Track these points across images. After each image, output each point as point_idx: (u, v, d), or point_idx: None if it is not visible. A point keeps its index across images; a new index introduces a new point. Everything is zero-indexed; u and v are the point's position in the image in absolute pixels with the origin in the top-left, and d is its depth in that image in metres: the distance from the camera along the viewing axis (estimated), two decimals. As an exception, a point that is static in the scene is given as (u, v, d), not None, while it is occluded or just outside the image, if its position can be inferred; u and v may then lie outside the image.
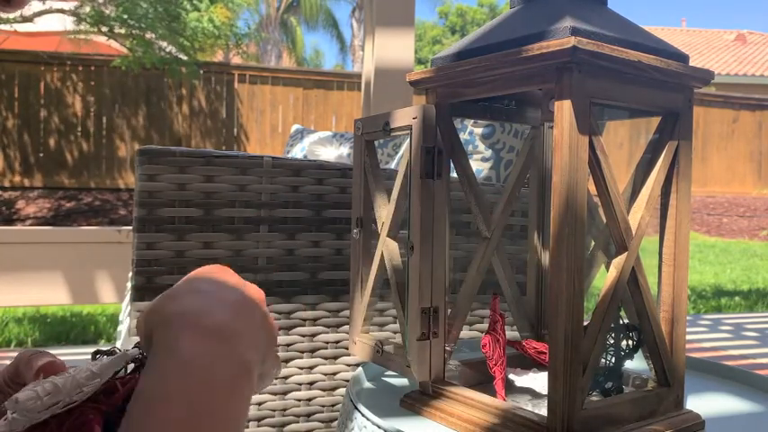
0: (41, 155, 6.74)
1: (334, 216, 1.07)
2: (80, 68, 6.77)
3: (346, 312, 1.08)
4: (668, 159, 0.64)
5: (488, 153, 1.33)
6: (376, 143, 0.90)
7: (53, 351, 0.54)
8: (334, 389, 1.08)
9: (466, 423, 0.63)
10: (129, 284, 1.19)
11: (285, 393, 1.05)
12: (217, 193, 1.00)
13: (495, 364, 0.68)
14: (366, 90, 2.47)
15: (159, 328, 0.38)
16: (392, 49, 2.25)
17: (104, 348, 0.42)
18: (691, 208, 0.67)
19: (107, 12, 5.95)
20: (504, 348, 0.69)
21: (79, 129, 6.82)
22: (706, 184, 9.28)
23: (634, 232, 0.62)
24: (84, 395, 0.38)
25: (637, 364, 0.69)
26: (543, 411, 0.60)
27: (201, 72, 7.03)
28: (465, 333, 1.18)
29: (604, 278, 0.62)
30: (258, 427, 1.03)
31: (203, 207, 0.99)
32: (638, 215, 0.63)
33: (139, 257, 0.96)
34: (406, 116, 0.68)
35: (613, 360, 0.64)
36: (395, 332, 1.12)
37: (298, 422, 1.06)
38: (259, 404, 1.03)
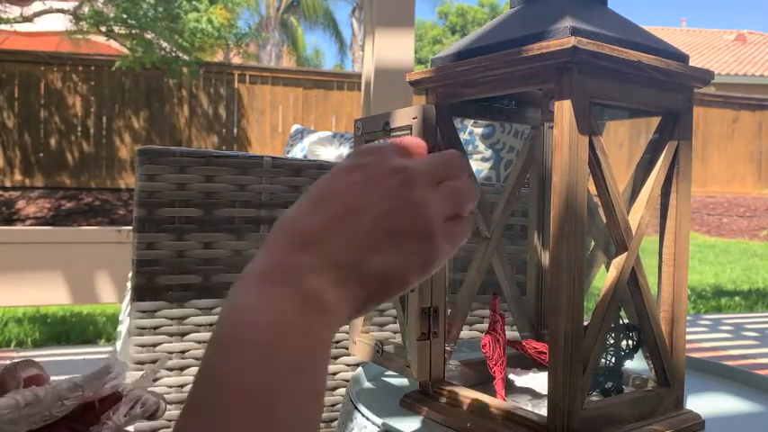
0: (42, 155, 6.74)
1: (334, 216, 1.07)
2: (80, 68, 6.78)
3: (346, 312, 1.08)
4: (668, 159, 0.64)
5: (488, 153, 1.33)
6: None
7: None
8: (334, 389, 1.08)
9: (466, 423, 0.63)
10: (129, 284, 1.19)
11: (285, 393, 1.05)
12: (217, 193, 1.00)
13: (495, 364, 0.68)
14: (366, 90, 2.46)
15: None
16: (392, 49, 2.25)
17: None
18: (691, 208, 0.67)
19: (107, 12, 5.96)
20: (504, 348, 0.69)
21: (79, 129, 6.83)
22: (706, 184, 9.28)
23: (634, 232, 0.62)
24: (65, 409, 0.37)
25: (637, 364, 0.69)
26: (543, 411, 0.60)
27: (202, 72, 7.04)
28: (465, 333, 1.18)
29: (604, 278, 0.62)
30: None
31: (203, 207, 0.99)
32: (638, 215, 0.63)
33: (139, 257, 0.96)
34: (406, 116, 0.68)
35: (613, 360, 0.64)
36: (395, 332, 1.12)
37: (298, 422, 1.06)
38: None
